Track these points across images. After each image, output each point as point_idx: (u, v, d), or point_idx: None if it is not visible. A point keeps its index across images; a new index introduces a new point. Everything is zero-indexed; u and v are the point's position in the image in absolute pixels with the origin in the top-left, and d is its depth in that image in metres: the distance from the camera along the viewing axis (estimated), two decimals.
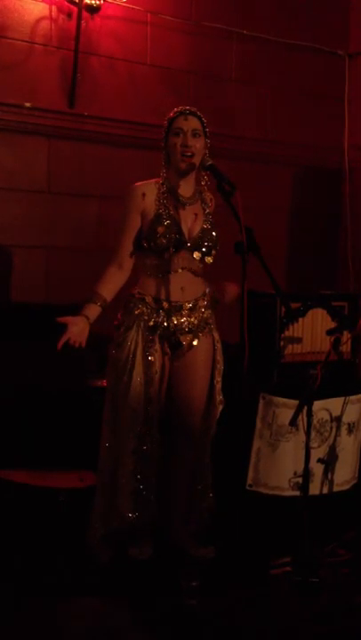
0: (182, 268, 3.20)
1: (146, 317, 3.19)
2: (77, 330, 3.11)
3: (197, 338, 3.25)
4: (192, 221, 3.22)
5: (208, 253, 3.21)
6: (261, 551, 3.29)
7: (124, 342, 3.18)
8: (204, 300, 3.28)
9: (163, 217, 3.15)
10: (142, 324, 3.19)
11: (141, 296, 3.22)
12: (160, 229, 3.14)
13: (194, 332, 3.24)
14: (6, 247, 4.28)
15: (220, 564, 3.21)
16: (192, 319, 3.24)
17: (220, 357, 3.32)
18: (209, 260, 3.22)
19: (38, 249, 4.38)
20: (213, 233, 3.23)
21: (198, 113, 3.19)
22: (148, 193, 3.17)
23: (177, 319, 3.21)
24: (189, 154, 3.13)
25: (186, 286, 3.22)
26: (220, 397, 3.32)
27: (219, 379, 3.32)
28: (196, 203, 3.25)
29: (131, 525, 3.19)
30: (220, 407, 3.32)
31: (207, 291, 3.31)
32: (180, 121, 3.15)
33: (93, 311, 3.17)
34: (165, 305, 3.20)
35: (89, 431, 3.39)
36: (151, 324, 3.19)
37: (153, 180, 3.22)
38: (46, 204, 4.38)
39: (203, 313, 3.27)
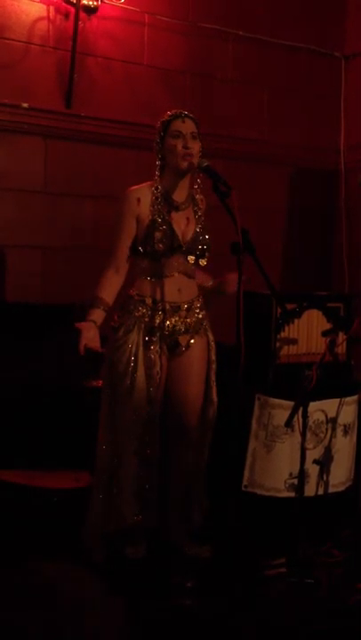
0: (178, 272, 3.22)
1: (147, 319, 3.20)
2: (91, 335, 3.14)
3: (193, 338, 3.27)
4: (185, 225, 3.23)
5: (202, 256, 3.24)
6: (257, 552, 3.29)
7: (124, 344, 3.19)
8: (198, 301, 3.30)
9: (158, 222, 3.16)
10: (143, 326, 3.20)
11: (140, 298, 3.23)
12: (157, 235, 3.15)
13: (190, 332, 3.26)
14: (2, 247, 4.28)
15: (216, 565, 3.21)
16: (188, 320, 3.25)
17: (214, 357, 3.35)
18: (203, 262, 3.25)
19: (34, 249, 4.38)
20: (206, 236, 3.25)
21: (193, 116, 3.20)
22: (142, 198, 3.18)
23: (175, 320, 3.23)
24: (190, 155, 3.14)
25: (182, 288, 3.24)
26: (215, 397, 3.34)
27: (214, 378, 3.34)
28: (188, 207, 3.26)
29: (132, 526, 3.20)
30: (214, 406, 3.34)
31: (210, 284, 3.33)
32: (177, 124, 3.16)
33: (99, 316, 3.19)
34: (164, 306, 3.21)
35: (85, 431, 3.39)
36: (151, 325, 3.20)
37: (147, 184, 3.22)
38: (43, 204, 4.39)
39: (198, 314, 3.29)
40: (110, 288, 3.23)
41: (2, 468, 3.52)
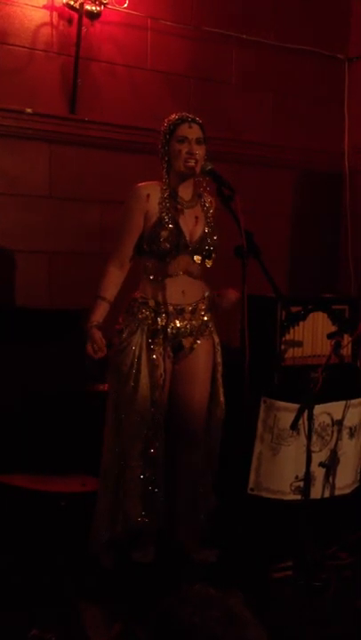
0: (182, 272, 3.22)
1: (150, 321, 3.21)
2: (97, 338, 3.21)
3: (198, 340, 3.27)
4: (193, 225, 3.24)
5: (208, 257, 3.24)
6: (263, 555, 3.29)
7: (128, 347, 3.19)
8: (203, 303, 3.30)
9: (166, 221, 3.16)
10: (146, 328, 3.20)
11: (144, 300, 3.23)
12: (163, 233, 3.15)
13: (195, 334, 3.26)
14: (9, 252, 4.29)
15: (223, 568, 3.21)
16: (193, 322, 3.26)
17: (220, 359, 3.35)
18: (209, 263, 3.25)
19: (40, 254, 4.39)
20: (214, 236, 3.25)
21: (199, 120, 3.21)
22: (152, 195, 3.19)
23: (179, 322, 3.23)
24: (193, 161, 3.15)
25: (186, 289, 3.24)
26: (223, 398, 3.34)
27: (221, 380, 3.34)
28: (196, 206, 3.27)
29: (138, 529, 3.20)
30: (222, 407, 3.34)
31: (207, 294, 3.33)
32: (184, 129, 3.17)
33: (102, 315, 3.22)
34: (168, 308, 3.21)
35: (92, 436, 3.40)
36: (155, 327, 3.20)
37: (156, 182, 3.23)
38: (48, 210, 4.39)
39: (203, 316, 3.29)
40: (113, 285, 3.24)
41: (8, 472, 3.52)
